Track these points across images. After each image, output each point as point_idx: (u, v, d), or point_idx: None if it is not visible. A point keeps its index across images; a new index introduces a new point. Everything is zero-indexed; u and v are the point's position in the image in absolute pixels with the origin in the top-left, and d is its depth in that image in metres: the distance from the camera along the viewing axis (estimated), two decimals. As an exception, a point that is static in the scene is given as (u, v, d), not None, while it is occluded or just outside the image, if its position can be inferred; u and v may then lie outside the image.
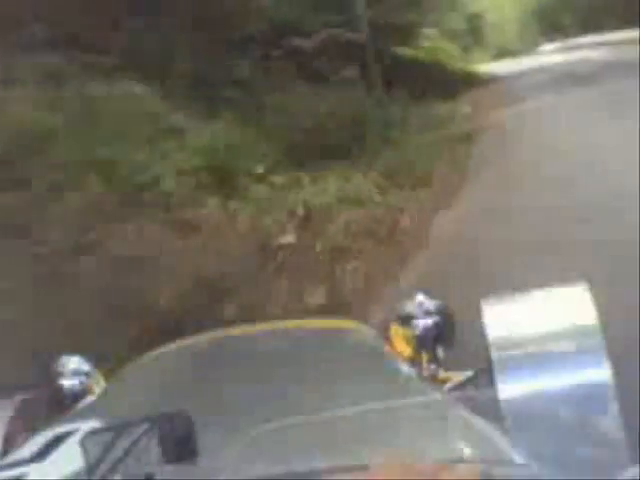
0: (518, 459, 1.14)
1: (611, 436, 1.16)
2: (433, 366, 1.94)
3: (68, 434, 1.47)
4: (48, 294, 4.99)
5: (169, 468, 1.16)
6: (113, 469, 1.16)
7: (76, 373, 2.04)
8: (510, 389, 1.18)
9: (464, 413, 1.30)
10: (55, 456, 1.41)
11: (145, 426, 1.18)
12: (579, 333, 1.21)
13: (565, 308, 1.24)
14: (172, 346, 1.96)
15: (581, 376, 1.18)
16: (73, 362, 2.09)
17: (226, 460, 1.16)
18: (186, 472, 1.17)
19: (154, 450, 1.17)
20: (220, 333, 2.06)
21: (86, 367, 2.08)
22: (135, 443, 1.18)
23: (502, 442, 1.19)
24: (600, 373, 1.18)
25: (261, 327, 2.17)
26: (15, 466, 1.39)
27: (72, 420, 1.58)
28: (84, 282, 5.23)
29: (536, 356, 1.20)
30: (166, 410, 1.20)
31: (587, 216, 6.14)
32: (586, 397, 1.17)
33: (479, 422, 1.28)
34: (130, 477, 1.16)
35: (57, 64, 7.40)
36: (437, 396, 1.43)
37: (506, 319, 1.25)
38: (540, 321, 1.24)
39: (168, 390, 1.67)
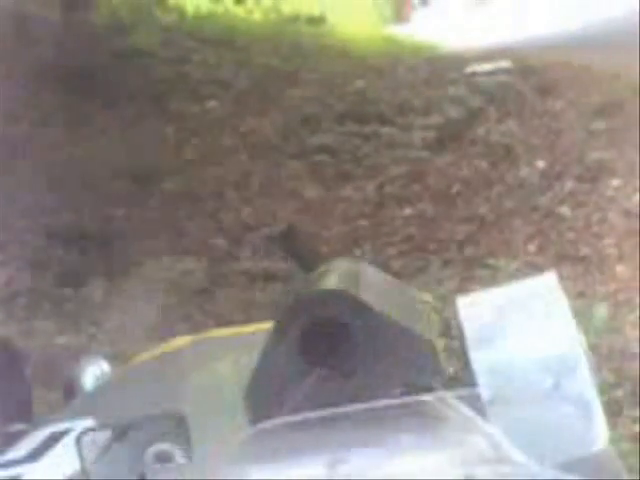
0: (519, 458, 1.16)
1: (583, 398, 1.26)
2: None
3: (63, 433, 1.47)
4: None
5: (165, 468, 1.18)
6: (109, 469, 1.18)
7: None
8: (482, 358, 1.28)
9: (464, 412, 1.31)
10: (50, 456, 1.42)
11: (141, 425, 1.21)
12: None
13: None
14: (176, 344, 1.96)
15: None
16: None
17: (222, 460, 1.16)
18: (182, 472, 1.18)
19: (150, 450, 1.18)
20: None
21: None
22: (131, 443, 1.20)
23: (503, 442, 1.20)
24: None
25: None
26: (9, 466, 1.39)
27: (67, 419, 1.57)
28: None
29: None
30: (162, 409, 1.25)
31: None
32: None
33: (479, 421, 1.29)
34: (126, 477, 1.18)
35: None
36: (437, 394, 1.41)
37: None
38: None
39: (165, 389, 1.68)
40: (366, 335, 1.35)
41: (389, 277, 1.66)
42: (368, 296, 1.42)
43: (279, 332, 1.36)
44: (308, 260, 1.81)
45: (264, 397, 1.34)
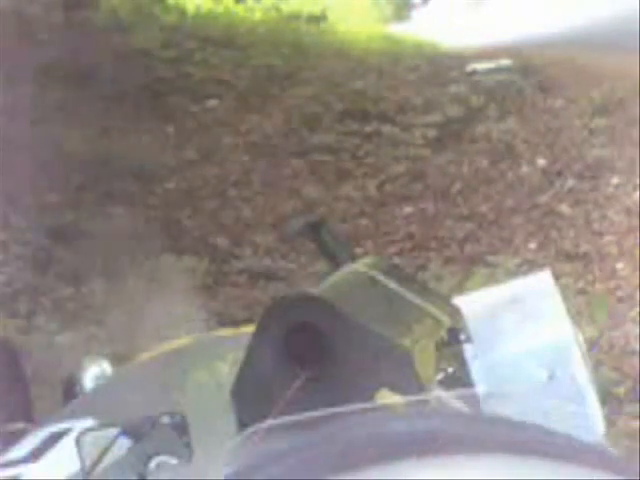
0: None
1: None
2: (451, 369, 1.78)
3: (63, 433, 1.48)
4: None
5: (165, 468, 1.20)
6: (108, 469, 1.19)
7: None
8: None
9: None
10: (50, 456, 1.43)
11: (140, 425, 1.22)
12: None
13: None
14: (176, 344, 1.91)
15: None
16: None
17: (222, 460, 1.11)
18: (182, 472, 1.20)
19: (149, 449, 1.21)
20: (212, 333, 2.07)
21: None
22: (130, 442, 1.21)
23: None
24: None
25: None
26: (9, 466, 1.41)
27: (67, 418, 1.56)
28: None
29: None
30: (162, 409, 1.24)
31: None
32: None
33: None
34: (125, 477, 1.19)
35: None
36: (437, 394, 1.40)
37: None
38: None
39: (165, 389, 1.66)
40: (341, 340, 1.37)
41: (409, 280, 1.65)
42: (350, 302, 1.43)
43: (260, 333, 1.39)
44: (338, 255, 1.81)
45: (249, 397, 1.36)
